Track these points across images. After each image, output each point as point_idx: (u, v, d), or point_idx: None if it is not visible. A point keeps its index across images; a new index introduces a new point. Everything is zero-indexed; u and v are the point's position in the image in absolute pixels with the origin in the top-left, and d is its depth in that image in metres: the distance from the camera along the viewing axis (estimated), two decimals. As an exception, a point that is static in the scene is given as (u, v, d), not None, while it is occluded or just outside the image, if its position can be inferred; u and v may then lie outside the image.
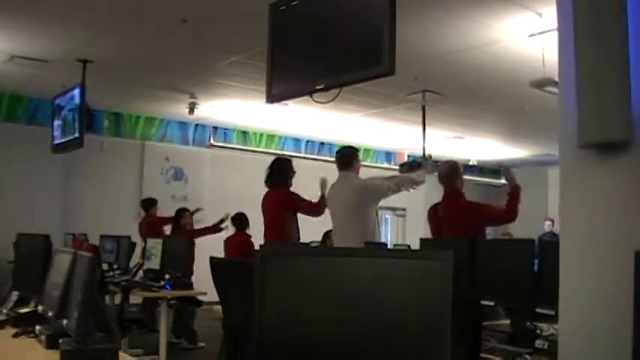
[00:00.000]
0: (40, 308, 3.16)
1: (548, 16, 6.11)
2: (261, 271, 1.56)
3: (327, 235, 8.57)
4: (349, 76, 3.76)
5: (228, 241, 7.96)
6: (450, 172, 5.40)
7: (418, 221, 14.37)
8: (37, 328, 3.01)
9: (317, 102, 4.01)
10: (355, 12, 3.73)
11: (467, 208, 5.22)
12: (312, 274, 1.54)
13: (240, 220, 7.98)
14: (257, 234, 6.57)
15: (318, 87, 3.87)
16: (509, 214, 5.04)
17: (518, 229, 10.48)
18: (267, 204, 6.19)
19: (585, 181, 2.35)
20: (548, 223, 14.83)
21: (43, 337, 2.88)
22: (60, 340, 2.63)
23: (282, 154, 13.24)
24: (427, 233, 11.57)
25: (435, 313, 1.34)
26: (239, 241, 7.79)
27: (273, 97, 4.33)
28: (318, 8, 3.97)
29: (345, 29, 3.78)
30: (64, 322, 2.71)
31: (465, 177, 5.74)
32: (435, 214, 5.48)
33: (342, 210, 5.53)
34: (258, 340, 1.57)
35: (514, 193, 5.10)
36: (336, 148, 14.26)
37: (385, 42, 3.47)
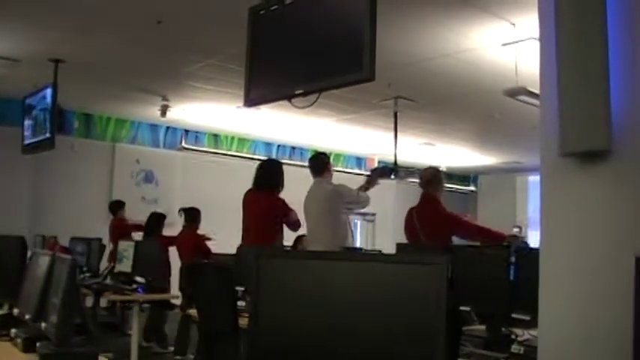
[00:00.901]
0: (15, 311, 3.12)
1: (522, 26, 6.20)
2: (257, 273, 1.56)
3: (298, 239, 8.58)
4: (329, 81, 3.76)
5: (179, 237, 7.92)
6: (432, 177, 5.48)
7: (387, 226, 14.48)
8: (13, 331, 2.96)
9: (296, 107, 4.01)
10: (336, 17, 3.74)
11: (443, 217, 5.29)
12: (307, 277, 1.54)
13: (192, 215, 7.92)
14: (233, 235, 6.46)
15: (297, 92, 3.87)
16: (483, 236, 5.20)
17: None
18: (254, 206, 5.82)
19: (567, 190, 2.38)
20: (516, 229, 14.96)
21: (19, 341, 2.83)
22: (37, 344, 2.60)
23: (253, 158, 13.29)
24: (396, 238, 11.64)
25: (431, 318, 1.36)
26: (190, 239, 7.75)
27: (251, 101, 4.31)
28: (298, 13, 3.97)
29: (325, 34, 3.78)
30: (43, 325, 2.68)
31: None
32: (408, 218, 5.52)
33: (315, 215, 5.55)
34: (253, 343, 1.57)
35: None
36: (308, 153, 14.34)
37: (366, 48, 3.48)
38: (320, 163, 5.78)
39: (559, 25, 2.41)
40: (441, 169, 13.41)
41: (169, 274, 7.78)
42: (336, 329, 1.48)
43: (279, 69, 4.07)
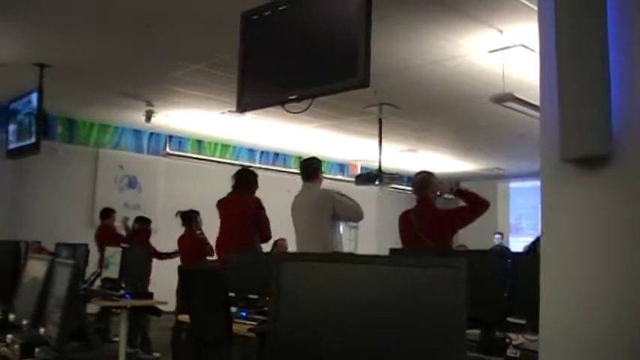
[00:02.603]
0: (11, 317, 3.09)
1: (509, 34, 6.25)
2: (276, 276, 1.56)
3: (276, 243, 8.58)
4: (322, 87, 3.77)
5: (180, 242, 7.91)
6: (422, 182, 5.52)
7: (370, 232, 14.51)
8: (9, 337, 2.93)
9: (290, 112, 4.02)
10: (330, 23, 3.74)
11: (440, 215, 5.34)
12: (325, 280, 1.55)
13: (188, 218, 7.91)
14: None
15: (290, 97, 3.87)
16: (481, 203, 5.24)
17: (469, 242, 10.66)
18: (230, 208, 6.16)
19: (567, 195, 2.40)
20: (497, 236, 15.11)
21: (15, 347, 2.81)
22: (36, 349, 2.58)
23: (236, 164, 13.27)
24: (380, 244, 11.58)
25: (450, 322, 1.36)
26: (190, 242, 7.75)
27: (244, 106, 4.31)
28: (291, 18, 3.97)
29: (319, 40, 3.79)
30: (42, 330, 2.66)
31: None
32: (405, 221, 5.54)
33: (306, 218, 5.55)
34: (272, 346, 1.57)
35: (465, 192, 5.37)
36: (291, 159, 14.31)
37: (360, 54, 3.50)
38: (311, 167, 5.81)
39: (559, 31, 2.43)
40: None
41: (149, 281, 7.75)
42: (354, 332, 1.48)
43: (273, 74, 4.07)
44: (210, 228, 6.74)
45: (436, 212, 5.41)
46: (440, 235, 5.12)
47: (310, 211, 5.54)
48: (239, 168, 6.76)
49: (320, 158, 6.20)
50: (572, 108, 2.35)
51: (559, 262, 2.41)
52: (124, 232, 9.38)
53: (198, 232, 7.92)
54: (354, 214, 5.61)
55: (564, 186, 2.41)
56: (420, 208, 5.46)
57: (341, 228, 5.64)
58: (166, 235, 8.73)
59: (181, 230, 7.95)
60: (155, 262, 8.50)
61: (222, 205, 6.30)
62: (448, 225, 5.27)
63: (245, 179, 6.25)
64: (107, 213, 9.44)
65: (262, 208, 6.10)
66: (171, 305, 6.80)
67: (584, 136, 2.31)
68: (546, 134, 2.51)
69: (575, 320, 2.33)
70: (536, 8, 2.63)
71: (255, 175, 6.35)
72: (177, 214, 8.02)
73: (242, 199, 6.11)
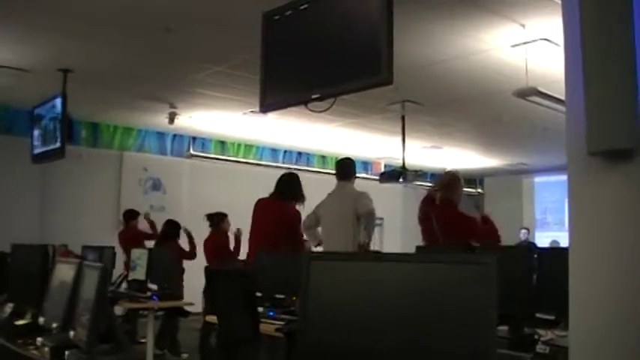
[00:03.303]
0: (41, 320, 3.12)
1: (532, 28, 6.20)
2: (306, 275, 1.56)
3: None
4: (345, 85, 3.77)
5: (206, 243, 7.95)
6: (451, 182, 5.53)
7: (396, 230, 14.48)
8: (39, 340, 2.96)
9: (313, 111, 4.02)
10: (351, 21, 3.74)
11: (460, 221, 5.33)
12: (356, 278, 1.54)
13: (214, 220, 7.95)
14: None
15: (314, 96, 3.88)
16: (496, 237, 5.33)
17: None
18: (268, 212, 5.82)
19: (595, 189, 2.37)
20: (523, 231, 14.99)
21: (46, 349, 2.83)
22: (66, 352, 2.60)
23: (260, 164, 13.31)
24: (405, 242, 11.57)
25: (480, 319, 1.35)
26: (214, 243, 7.79)
27: (267, 107, 4.33)
28: (312, 17, 3.97)
29: (341, 38, 3.78)
30: (71, 333, 2.68)
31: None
32: (426, 213, 5.54)
33: (336, 218, 5.59)
34: (302, 344, 1.57)
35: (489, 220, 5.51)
36: (314, 159, 14.34)
37: (383, 51, 3.49)
38: (349, 168, 5.97)
39: (583, 24, 2.40)
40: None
41: (182, 281, 7.79)
42: (383, 330, 1.48)
43: (295, 74, 4.07)
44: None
45: (457, 218, 5.38)
46: (456, 239, 5.09)
47: (343, 211, 5.59)
48: (285, 171, 6.30)
49: (343, 157, 6.22)
50: (598, 101, 2.32)
51: (587, 255, 2.38)
52: (149, 230, 9.40)
53: (229, 234, 7.98)
54: (368, 213, 5.60)
55: (591, 179, 2.39)
56: (441, 209, 5.44)
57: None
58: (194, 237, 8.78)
59: (206, 231, 7.99)
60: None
61: (260, 206, 5.94)
62: (463, 232, 5.23)
63: (291, 186, 5.89)
64: (132, 214, 9.48)
65: (300, 221, 5.83)
66: (198, 306, 6.82)
67: (610, 130, 2.28)
68: (572, 128, 2.48)
69: (605, 315, 2.30)
70: (558, 1, 2.61)
71: (300, 184, 5.93)
72: (205, 216, 8.07)
73: (283, 205, 5.78)
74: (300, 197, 5.84)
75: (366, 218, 5.61)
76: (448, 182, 5.53)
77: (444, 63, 7.40)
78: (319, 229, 5.95)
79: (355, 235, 5.47)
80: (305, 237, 6.01)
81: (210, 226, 7.95)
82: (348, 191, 5.76)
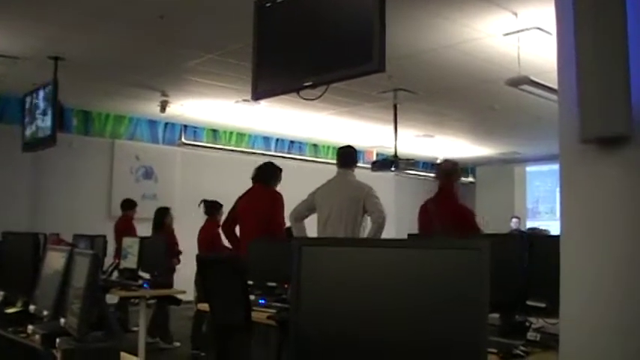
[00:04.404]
0: (32, 308, 3.11)
1: (524, 16, 6.20)
2: (298, 261, 1.56)
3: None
4: (338, 73, 3.75)
5: (201, 232, 7.92)
6: (451, 171, 5.52)
7: (388, 218, 14.47)
8: (30, 327, 2.94)
9: (304, 99, 4.01)
10: (343, 8, 3.73)
11: (460, 210, 5.34)
12: (348, 264, 1.54)
13: (209, 208, 7.91)
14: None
15: (305, 84, 3.85)
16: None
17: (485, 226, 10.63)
18: (256, 200, 5.87)
19: (587, 176, 2.37)
20: (515, 220, 15.04)
21: (37, 337, 2.82)
22: (57, 340, 2.58)
23: (252, 152, 13.28)
24: (399, 229, 11.58)
25: (472, 303, 1.35)
26: (208, 232, 7.76)
27: (259, 94, 4.30)
28: (304, 5, 3.96)
29: (333, 26, 3.77)
30: (62, 320, 2.67)
31: (432, 174, 5.88)
32: (423, 211, 5.54)
33: (337, 203, 5.53)
34: (295, 331, 1.56)
35: None
36: (306, 147, 14.32)
37: (375, 38, 3.48)
38: (351, 155, 5.86)
39: (576, 11, 2.40)
40: (438, 161, 13.49)
41: (174, 270, 7.78)
42: (375, 316, 1.48)
43: (287, 61, 4.05)
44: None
45: (456, 206, 5.39)
46: (455, 228, 5.10)
47: (343, 199, 5.53)
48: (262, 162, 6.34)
49: (335, 145, 6.18)
50: (592, 88, 2.32)
51: (579, 243, 2.39)
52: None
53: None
54: (378, 215, 5.53)
55: (584, 167, 2.39)
56: (440, 198, 5.44)
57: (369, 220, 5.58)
58: (185, 225, 8.76)
59: (200, 220, 7.95)
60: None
61: (246, 198, 6.04)
62: (464, 222, 5.25)
63: (269, 171, 6.03)
64: (129, 204, 9.44)
65: (282, 205, 5.84)
66: (190, 294, 6.82)
67: (604, 117, 2.28)
68: (565, 115, 2.48)
69: (596, 302, 2.30)
70: (550, -10, 2.60)
71: (277, 169, 6.07)
72: (200, 203, 8.00)
73: (269, 191, 5.89)
74: (275, 180, 6.00)
75: (378, 225, 5.54)
76: (448, 170, 5.52)
77: (436, 51, 7.39)
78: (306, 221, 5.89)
79: (356, 227, 5.44)
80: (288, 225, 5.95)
81: (206, 213, 7.89)
82: (349, 181, 5.68)
